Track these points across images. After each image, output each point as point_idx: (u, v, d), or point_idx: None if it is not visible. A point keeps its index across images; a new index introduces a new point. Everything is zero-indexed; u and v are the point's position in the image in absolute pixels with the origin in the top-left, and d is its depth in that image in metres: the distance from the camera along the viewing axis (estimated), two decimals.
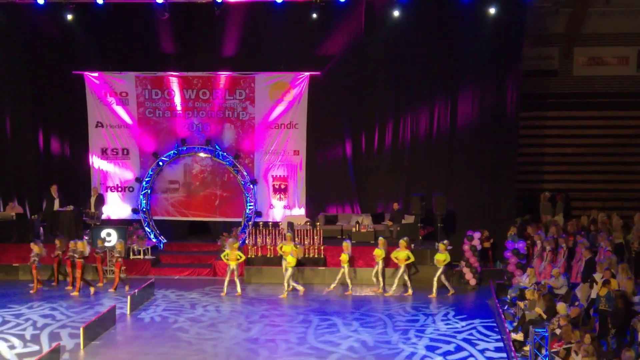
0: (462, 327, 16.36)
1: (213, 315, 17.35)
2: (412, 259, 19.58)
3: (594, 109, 25.56)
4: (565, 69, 25.82)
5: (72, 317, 16.97)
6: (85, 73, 23.90)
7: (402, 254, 19.45)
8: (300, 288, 19.57)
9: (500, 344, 14.90)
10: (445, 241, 19.97)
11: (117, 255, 20.03)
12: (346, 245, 19.90)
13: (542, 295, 15.25)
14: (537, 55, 25.51)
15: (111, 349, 14.83)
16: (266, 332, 15.97)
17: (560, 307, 14.08)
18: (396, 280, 19.59)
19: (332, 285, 19.87)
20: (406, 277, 19.53)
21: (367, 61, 23.41)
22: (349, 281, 19.72)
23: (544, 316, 14.47)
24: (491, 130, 22.92)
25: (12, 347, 14.71)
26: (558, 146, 25.65)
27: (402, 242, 19.57)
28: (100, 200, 23.32)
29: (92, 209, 22.94)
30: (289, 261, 19.45)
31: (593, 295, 15.26)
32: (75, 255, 19.55)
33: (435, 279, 19.43)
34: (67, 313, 17.38)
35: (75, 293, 19.33)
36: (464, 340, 15.32)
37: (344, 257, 19.70)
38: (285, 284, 19.39)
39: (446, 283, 19.54)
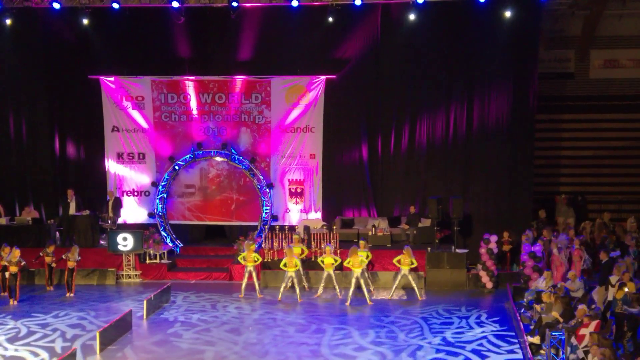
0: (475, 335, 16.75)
1: (230, 319, 17.67)
2: (415, 264, 19.80)
3: (610, 112, 25.83)
4: (581, 72, 26.14)
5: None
6: (101, 77, 24.39)
7: (406, 259, 19.62)
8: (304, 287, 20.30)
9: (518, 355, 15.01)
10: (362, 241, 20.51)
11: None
12: (328, 249, 20.06)
13: (558, 298, 15.60)
14: (553, 58, 25.88)
15: (127, 353, 15.10)
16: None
17: (581, 309, 14.39)
18: (395, 284, 19.95)
19: (319, 292, 20.17)
20: (413, 283, 19.78)
21: (383, 64, 23.80)
22: (336, 285, 19.97)
23: (561, 319, 14.77)
24: (507, 133, 23.22)
25: None
26: (574, 149, 25.93)
27: (408, 249, 19.75)
28: (118, 204, 23.72)
29: (110, 213, 23.36)
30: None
31: (609, 297, 15.64)
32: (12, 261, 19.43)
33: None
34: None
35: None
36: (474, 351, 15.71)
37: (328, 261, 19.89)
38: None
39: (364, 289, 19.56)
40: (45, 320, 17.43)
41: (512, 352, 14.98)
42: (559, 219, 23.35)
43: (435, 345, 15.43)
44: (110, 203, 23.55)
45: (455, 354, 14.85)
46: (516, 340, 15.68)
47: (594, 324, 13.85)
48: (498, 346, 15.32)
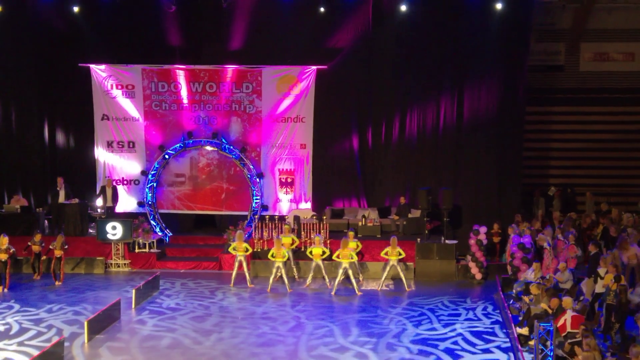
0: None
1: (217, 310, 17.60)
2: (403, 254, 19.88)
3: (600, 105, 26.00)
4: (571, 65, 26.29)
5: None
6: (92, 65, 24.29)
7: (393, 250, 19.64)
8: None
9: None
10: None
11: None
12: (317, 239, 20.13)
13: (545, 290, 15.72)
14: (543, 51, 26.01)
15: (115, 342, 15.08)
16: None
17: (566, 301, 14.53)
18: (384, 275, 20.01)
19: (308, 282, 20.22)
20: (402, 274, 19.83)
21: (375, 55, 23.85)
22: (325, 275, 20.02)
23: (550, 311, 14.89)
24: (497, 125, 23.33)
25: None
26: (564, 141, 26.10)
27: (394, 239, 19.76)
28: (116, 193, 23.79)
29: (110, 202, 23.39)
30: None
31: (598, 289, 15.77)
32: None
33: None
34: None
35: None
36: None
37: (316, 252, 19.94)
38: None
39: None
40: (38, 315, 16.95)
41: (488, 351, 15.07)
42: (555, 213, 23.36)
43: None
44: (109, 192, 23.51)
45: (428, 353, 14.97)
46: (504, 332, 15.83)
47: (570, 313, 14.00)
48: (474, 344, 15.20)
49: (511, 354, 14.39)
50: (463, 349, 14.72)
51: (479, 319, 16.91)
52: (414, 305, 18.09)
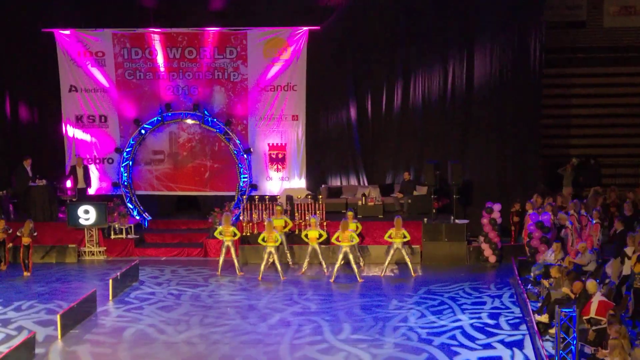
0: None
1: (202, 301, 17.69)
2: (408, 237, 19.91)
3: (627, 65, 25.87)
4: (594, 20, 26.14)
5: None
6: (56, 31, 24.21)
7: (398, 232, 19.69)
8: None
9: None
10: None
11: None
12: (313, 221, 20.19)
13: (567, 273, 15.80)
14: (562, 5, 25.86)
15: (91, 337, 15.11)
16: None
17: (591, 285, 14.59)
18: (387, 259, 20.06)
19: (304, 268, 20.30)
20: (407, 258, 19.94)
21: (373, 14, 23.81)
22: (322, 261, 20.13)
23: (572, 296, 14.94)
24: (512, 89, 23.37)
25: None
26: (586, 107, 26.02)
27: (398, 220, 19.86)
28: (87, 173, 23.82)
29: (81, 183, 23.41)
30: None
31: (625, 271, 15.85)
32: None
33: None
34: None
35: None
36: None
37: (312, 235, 19.99)
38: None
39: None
40: (6, 315, 16.59)
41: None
42: (566, 189, 23.38)
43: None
44: (80, 172, 23.52)
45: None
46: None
47: (598, 298, 14.08)
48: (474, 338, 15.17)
49: (528, 345, 14.48)
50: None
51: (507, 307, 16.93)
52: (432, 294, 18.09)
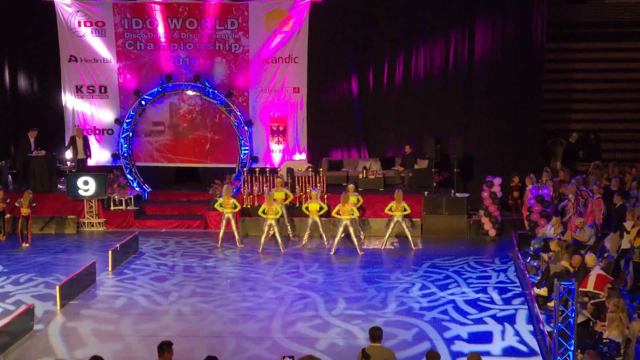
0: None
1: (201, 274, 17.82)
2: (408, 210, 20.05)
3: (630, 40, 25.80)
4: None
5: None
6: (56, 0, 24.18)
7: (398, 205, 19.81)
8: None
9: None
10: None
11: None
12: (314, 193, 20.32)
13: (566, 247, 15.96)
14: None
15: (90, 309, 15.23)
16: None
17: (590, 258, 14.76)
18: (387, 232, 20.22)
19: (304, 241, 20.45)
20: (407, 231, 20.08)
21: None
22: (323, 234, 20.22)
23: (571, 269, 15.11)
24: (513, 64, 23.42)
25: None
26: (587, 81, 26.02)
27: (399, 193, 19.99)
28: (87, 144, 23.86)
29: (81, 154, 23.44)
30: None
31: (624, 245, 16.01)
32: None
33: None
34: None
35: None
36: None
37: (313, 207, 20.13)
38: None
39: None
40: (4, 289, 16.51)
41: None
42: (555, 164, 23.47)
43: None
44: (79, 142, 23.51)
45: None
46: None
47: (597, 271, 14.24)
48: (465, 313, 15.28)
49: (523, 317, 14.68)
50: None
51: (512, 282, 17.11)
52: (437, 267, 18.25)
